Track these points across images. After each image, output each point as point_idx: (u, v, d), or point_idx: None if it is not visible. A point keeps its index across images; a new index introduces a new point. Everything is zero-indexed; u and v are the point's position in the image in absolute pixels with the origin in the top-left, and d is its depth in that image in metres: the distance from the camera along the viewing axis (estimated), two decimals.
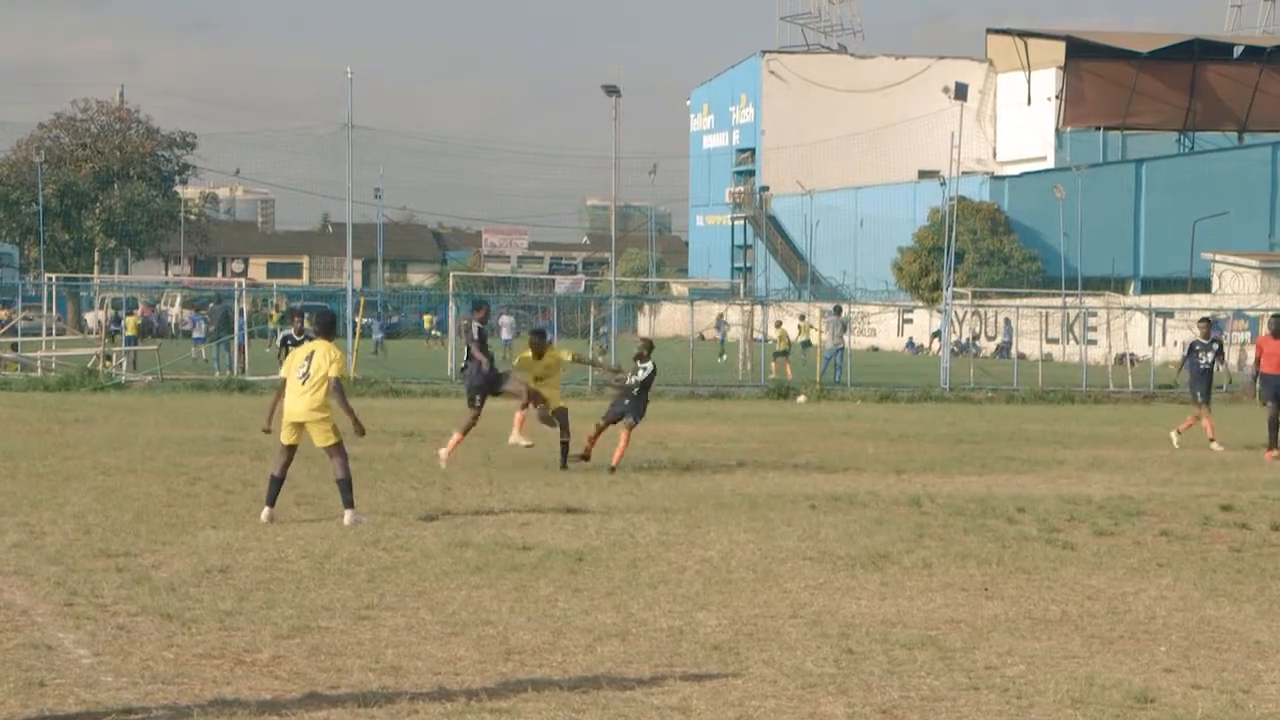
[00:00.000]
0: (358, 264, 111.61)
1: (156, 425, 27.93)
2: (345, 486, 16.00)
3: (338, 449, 16.09)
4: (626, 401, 22.17)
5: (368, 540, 14.67)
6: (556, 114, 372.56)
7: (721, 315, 73.73)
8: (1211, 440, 27.15)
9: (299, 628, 10.82)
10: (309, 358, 16.15)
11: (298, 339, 24.55)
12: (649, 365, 22.29)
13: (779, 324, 53.30)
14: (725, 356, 49.00)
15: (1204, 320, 30.02)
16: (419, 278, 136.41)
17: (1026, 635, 11.06)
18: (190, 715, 8.57)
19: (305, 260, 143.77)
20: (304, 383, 16.06)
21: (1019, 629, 11.27)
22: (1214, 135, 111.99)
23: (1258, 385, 26.47)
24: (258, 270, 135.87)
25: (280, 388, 16.56)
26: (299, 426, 16.13)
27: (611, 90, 52.29)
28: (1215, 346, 28.02)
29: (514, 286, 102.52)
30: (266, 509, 16.02)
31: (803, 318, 62.77)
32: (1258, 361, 26.56)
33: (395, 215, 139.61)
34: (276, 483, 16.17)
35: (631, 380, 22.26)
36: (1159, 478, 22.03)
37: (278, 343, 24.96)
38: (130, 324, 50.30)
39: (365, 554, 13.91)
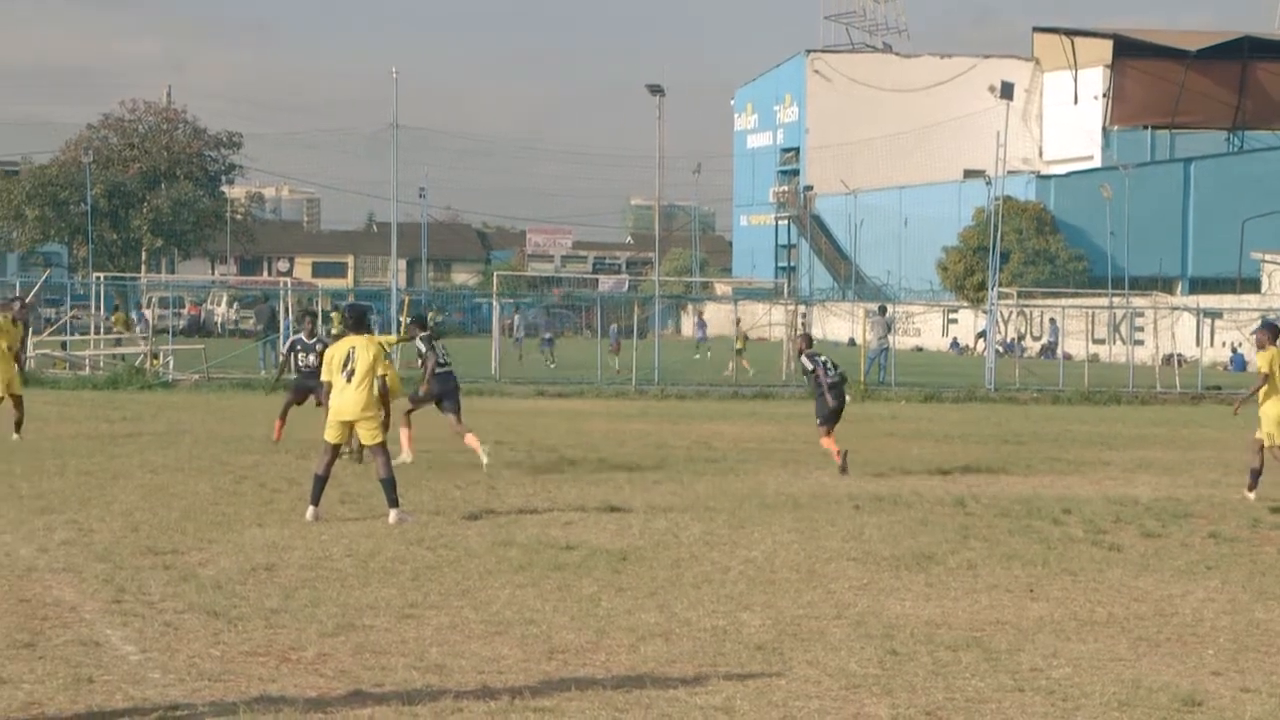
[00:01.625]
0: (402, 263, 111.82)
1: (203, 424, 28.08)
2: (389, 486, 16.04)
3: (381, 448, 16.13)
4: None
5: (412, 539, 14.72)
6: (600, 114, 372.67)
7: (701, 313, 73.84)
8: None
9: (344, 626, 10.86)
10: (350, 355, 16.17)
11: (308, 341, 24.31)
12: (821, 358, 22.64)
13: (738, 321, 53.30)
14: (704, 355, 48.70)
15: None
16: (463, 277, 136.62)
17: (1072, 637, 11.01)
18: (236, 712, 8.62)
19: (350, 260, 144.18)
20: (349, 380, 16.10)
21: (1065, 631, 11.22)
22: (1264, 134, 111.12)
23: None
24: (303, 270, 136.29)
25: (292, 391, 16.60)
26: (347, 425, 16.17)
27: (655, 90, 52.23)
28: None
29: (558, 286, 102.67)
30: (311, 508, 16.08)
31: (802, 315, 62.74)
32: None
33: (440, 215, 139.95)
34: (321, 481, 16.21)
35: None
36: (1207, 479, 21.89)
37: (284, 347, 24.60)
38: (118, 320, 50.38)
39: (409, 552, 13.95)
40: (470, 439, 21.11)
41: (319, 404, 19.81)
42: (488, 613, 11.41)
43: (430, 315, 22.50)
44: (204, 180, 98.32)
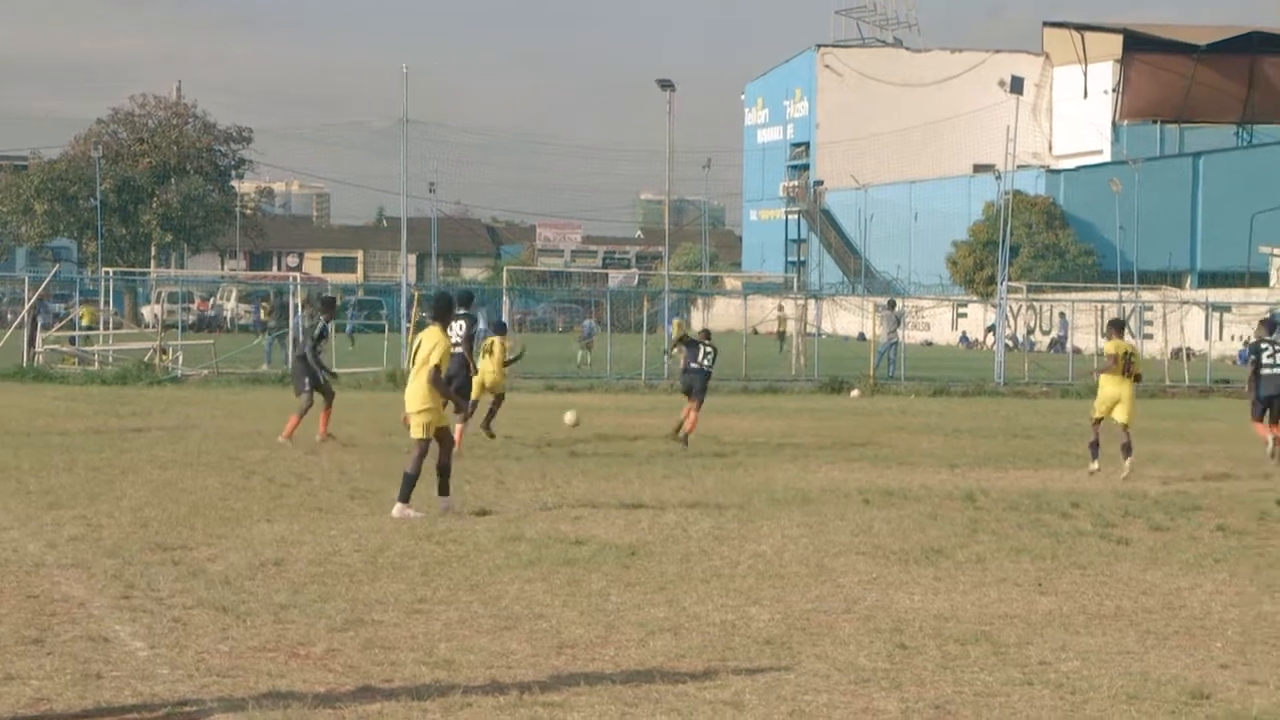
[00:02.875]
0: (412, 258, 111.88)
1: (212, 419, 28.10)
2: (407, 480, 16.04)
3: (419, 445, 16.11)
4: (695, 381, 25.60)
5: (420, 534, 14.73)
6: (611, 108, 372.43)
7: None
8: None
9: (352, 621, 10.87)
10: (418, 346, 16.29)
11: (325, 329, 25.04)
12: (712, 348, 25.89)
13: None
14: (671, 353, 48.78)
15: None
16: (473, 272, 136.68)
17: (1081, 631, 11.01)
18: (245, 707, 8.62)
19: (360, 255, 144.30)
20: (412, 367, 16.29)
21: (1073, 624, 11.21)
22: (1273, 128, 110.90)
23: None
24: (313, 265, 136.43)
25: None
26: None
27: (665, 84, 52.23)
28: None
29: (567, 280, 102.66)
30: (398, 505, 15.99)
31: (780, 308, 62.89)
32: None
33: (450, 209, 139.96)
34: (410, 479, 16.10)
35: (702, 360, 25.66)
36: (1215, 473, 21.87)
37: (315, 334, 24.79)
38: (86, 314, 50.20)
39: (418, 548, 13.96)
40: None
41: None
42: (496, 608, 11.41)
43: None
44: (214, 175, 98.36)
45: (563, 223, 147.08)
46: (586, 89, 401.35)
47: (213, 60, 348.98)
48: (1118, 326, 23.44)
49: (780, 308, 66.02)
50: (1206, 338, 55.03)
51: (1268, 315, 29.17)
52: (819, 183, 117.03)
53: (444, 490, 16.24)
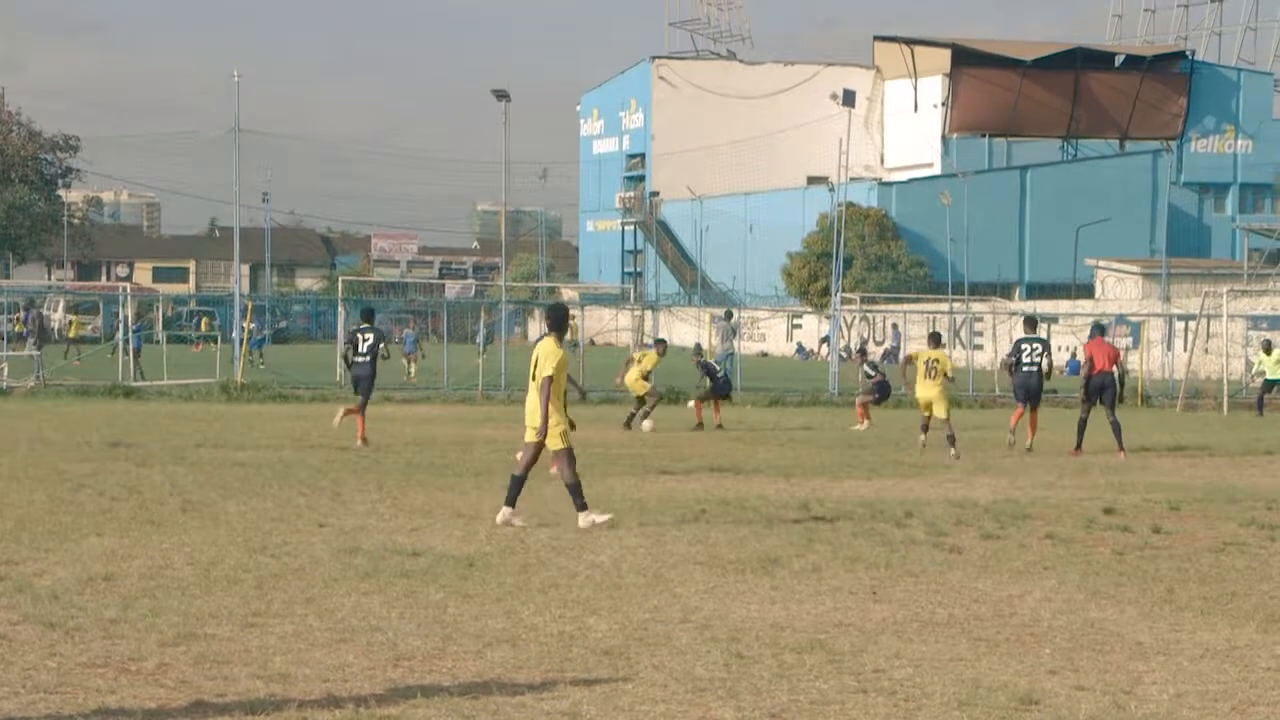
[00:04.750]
0: (245, 268, 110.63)
1: (40, 431, 27.52)
2: (573, 490, 16.15)
3: (562, 454, 16.17)
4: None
5: (255, 547, 14.53)
6: (446, 119, 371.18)
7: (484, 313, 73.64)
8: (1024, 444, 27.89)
9: (185, 635, 10.69)
10: (537, 357, 16.24)
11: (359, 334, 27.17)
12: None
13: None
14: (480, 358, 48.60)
15: (1028, 319, 32.18)
16: (307, 282, 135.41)
17: (914, 638, 11.13)
18: None
19: (192, 265, 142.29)
20: (532, 381, 16.25)
21: (907, 632, 11.34)
22: (1097, 143, 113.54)
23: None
24: (143, 275, 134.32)
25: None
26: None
27: (501, 95, 52.06)
28: (1038, 345, 28.82)
29: (403, 291, 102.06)
30: (505, 509, 16.02)
31: (571, 318, 63.09)
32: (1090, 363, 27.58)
33: (283, 219, 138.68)
34: (517, 482, 16.16)
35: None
36: (1043, 481, 22.28)
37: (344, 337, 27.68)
38: None
39: (252, 561, 13.77)
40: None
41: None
42: (332, 620, 11.30)
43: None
44: (39, 184, 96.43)
45: (399, 233, 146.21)
46: (423, 98, 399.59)
47: (39, 67, 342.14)
48: (934, 338, 28.31)
49: (571, 317, 66.18)
50: None
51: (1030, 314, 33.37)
52: (655, 194, 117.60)
53: (581, 506, 16.20)
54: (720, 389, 33.28)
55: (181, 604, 11.77)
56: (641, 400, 31.72)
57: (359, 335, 27.16)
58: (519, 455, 16.82)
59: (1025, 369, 28.50)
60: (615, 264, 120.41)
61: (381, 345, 27.30)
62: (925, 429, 27.24)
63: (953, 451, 25.71)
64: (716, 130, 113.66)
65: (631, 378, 31.93)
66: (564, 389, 16.61)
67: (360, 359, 26.76)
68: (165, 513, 16.76)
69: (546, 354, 16.15)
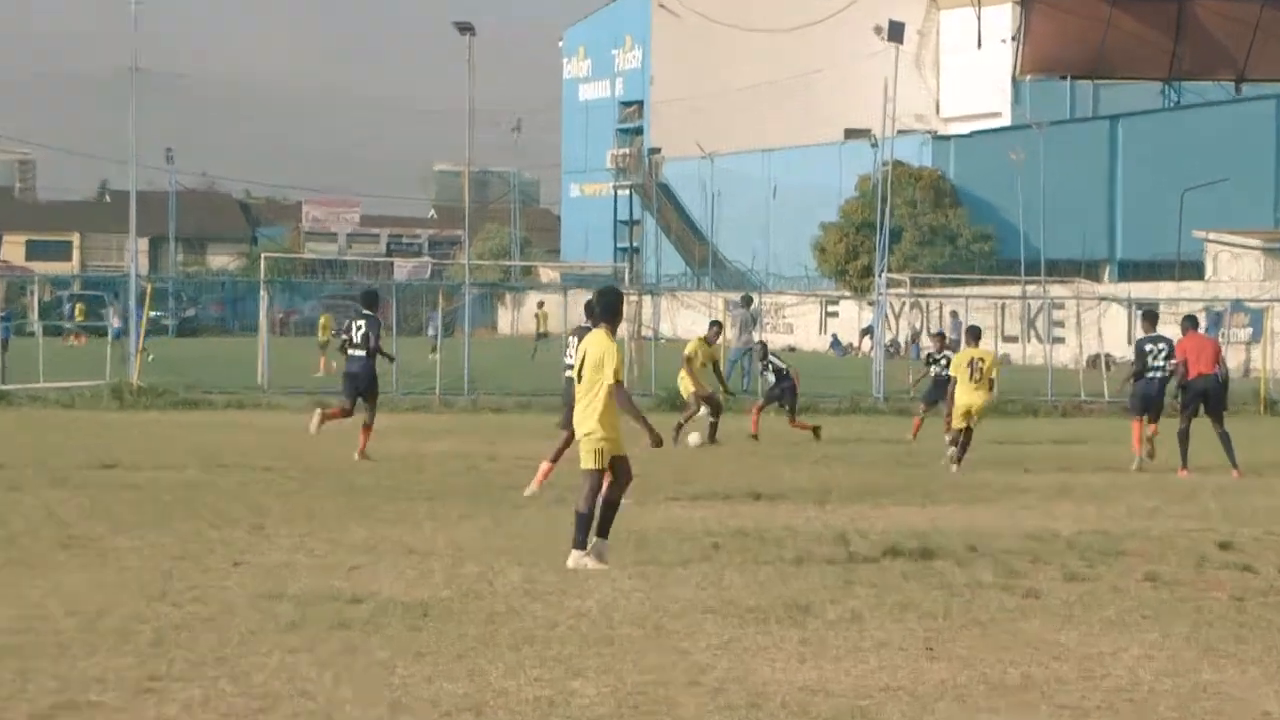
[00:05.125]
0: (144, 243, 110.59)
1: None
2: (581, 520, 16.18)
3: (590, 475, 16.17)
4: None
5: (153, 593, 14.51)
6: (396, 57, 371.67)
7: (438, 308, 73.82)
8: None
9: (62, 705, 10.67)
10: (583, 355, 16.16)
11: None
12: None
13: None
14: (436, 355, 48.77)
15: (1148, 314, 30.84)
16: (222, 259, 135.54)
17: (981, 705, 11.10)
18: None
19: (76, 238, 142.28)
20: (579, 384, 16.17)
21: (971, 697, 11.31)
22: (1206, 86, 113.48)
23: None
24: (14, 250, 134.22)
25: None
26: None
27: (465, 28, 52.08)
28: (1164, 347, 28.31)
29: (342, 271, 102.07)
30: (574, 553, 16.07)
31: (540, 305, 63.62)
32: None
33: (192, 182, 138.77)
34: (583, 519, 16.15)
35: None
36: (1142, 508, 22.26)
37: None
38: None
39: (151, 610, 13.75)
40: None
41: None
42: (249, 685, 11.27)
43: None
44: None
45: (336, 199, 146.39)
46: (368, 32, 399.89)
47: None
48: (974, 333, 28.96)
49: (540, 304, 66.80)
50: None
51: (1152, 309, 32.79)
52: (655, 150, 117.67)
53: (603, 531, 16.29)
54: (784, 397, 34.02)
55: (60, 666, 11.75)
56: (711, 404, 32.26)
57: (351, 324, 28.02)
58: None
59: (1149, 375, 28.19)
60: (606, 238, 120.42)
61: (373, 338, 27.56)
62: (955, 442, 27.57)
63: (952, 452, 26.92)
64: (731, 72, 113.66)
65: (686, 383, 32.75)
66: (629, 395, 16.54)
67: (354, 352, 27.41)
68: (40, 550, 16.72)
69: (605, 350, 16.04)
